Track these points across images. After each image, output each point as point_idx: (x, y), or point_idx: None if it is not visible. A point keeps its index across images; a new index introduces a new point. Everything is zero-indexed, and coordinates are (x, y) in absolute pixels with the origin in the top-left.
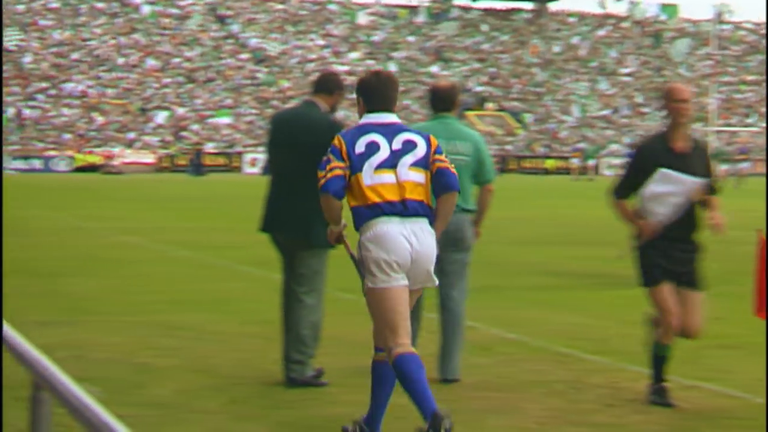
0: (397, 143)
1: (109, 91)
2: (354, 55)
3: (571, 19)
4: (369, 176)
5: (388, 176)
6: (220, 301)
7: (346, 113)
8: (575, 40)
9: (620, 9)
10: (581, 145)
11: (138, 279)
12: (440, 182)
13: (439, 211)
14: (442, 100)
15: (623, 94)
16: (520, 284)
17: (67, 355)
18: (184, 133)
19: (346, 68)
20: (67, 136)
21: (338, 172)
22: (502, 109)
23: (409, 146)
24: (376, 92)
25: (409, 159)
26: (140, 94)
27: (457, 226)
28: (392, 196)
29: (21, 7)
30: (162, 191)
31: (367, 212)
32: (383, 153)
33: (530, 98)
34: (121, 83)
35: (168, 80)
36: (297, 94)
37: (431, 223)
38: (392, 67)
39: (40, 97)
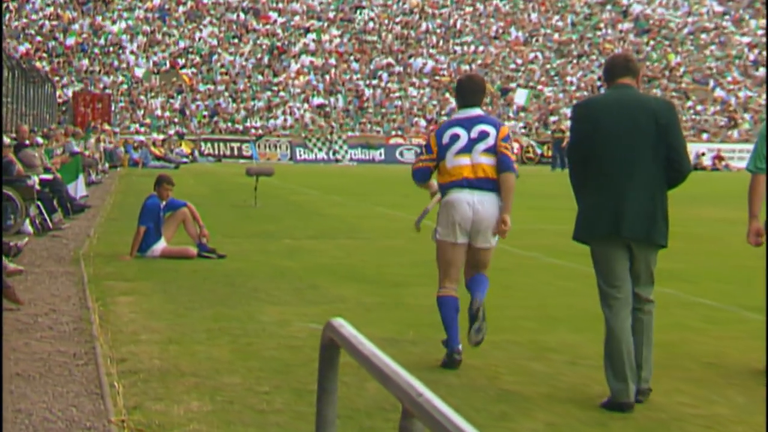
0: (474, 133)
1: (465, 67)
2: (758, 23)
3: None
4: (450, 161)
5: (465, 159)
6: (598, 318)
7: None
8: None
9: None
10: None
11: (500, 291)
12: (499, 164)
13: (502, 187)
14: None
15: None
16: None
17: None
18: (554, 118)
19: (747, 39)
20: (416, 120)
21: (427, 164)
22: None
23: (483, 135)
24: (464, 91)
25: (481, 146)
26: (501, 71)
27: None
28: (467, 174)
29: None
30: (525, 187)
31: (448, 185)
32: (462, 141)
33: None
34: (478, 58)
35: (534, 55)
36: (690, 70)
37: (499, 195)
38: None
39: (383, 75)
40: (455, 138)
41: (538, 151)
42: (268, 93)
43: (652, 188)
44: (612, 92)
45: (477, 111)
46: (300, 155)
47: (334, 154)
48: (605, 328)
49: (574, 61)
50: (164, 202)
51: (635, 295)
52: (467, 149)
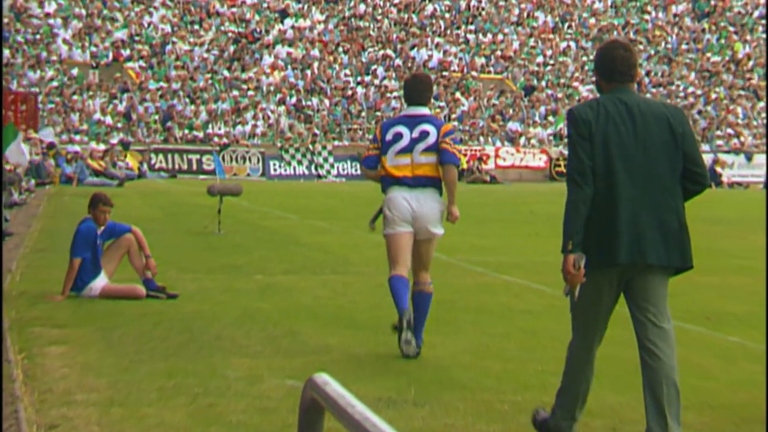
0: (416, 132)
1: (480, 60)
2: None
3: None
4: (391, 159)
5: (405, 159)
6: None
7: None
8: None
9: None
10: None
11: (524, 339)
12: (440, 157)
13: (444, 180)
14: None
15: None
16: None
17: None
18: None
19: None
20: None
21: (375, 152)
22: None
23: (424, 135)
24: (410, 90)
25: (421, 146)
26: (525, 65)
27: None
28: (404, 173)
29: None
30: (552, 208)
31: (388, 181)
32: (404, 141)
33: None
34: (497, 49)
35: (566, 44)
36: (761, 63)
37: (440, 192)
38: None
39: (378, 70)
40: (398, 137)
41: None
42: (235, 92)
43: (674, 205)
44: (615, 96)
45: (423, 110)
46: (274, 169)
47: (317, 168)
48: (567, 359)
49: None
50: (101, 228)
51: (651, 338)
52: (408, 149)
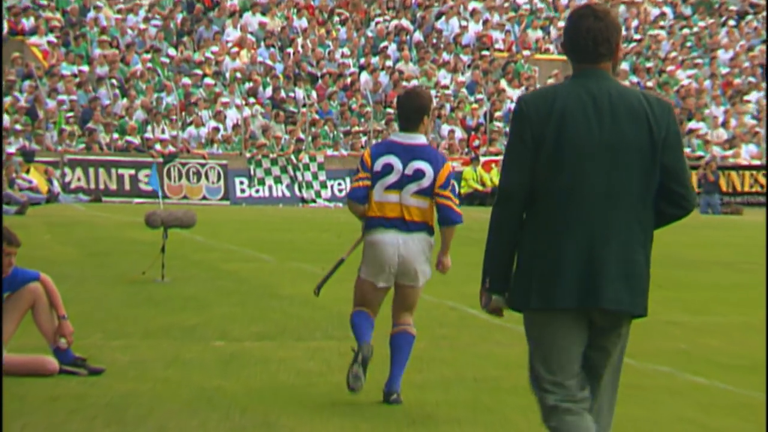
0: (409, 170)
1: (535, 34)
2: None
3: None
4: (379, 194)
5: (393, 196)
6: None
7: None
8: None
9: None
10: None
11: None
12: (440, 216)
13: (443, 240)
14: None
15: None
16: None
17: None
18: (694, 125)
19: None
20: (447, 129)
21: (365, 183)
22: None
23: (418, 175)
24: (402, 112)
25: (413, 187)
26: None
27: None
28: (394, 214)
29: None
30: None
31: (373, 221)
32: (395, 176)
33: None
34: (560, 19)
35: (658, 12)
36: None
37: (431, 233)
38: None
39: (389, 48)
40: (388, 169)
41: None
42: (186, 80)
43: (641, 234)
44: (579, 83)
45: (417, 138)
46: (242, 190)
47: (301, 188)
48: None
49: (731, 22)
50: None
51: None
52: (398, 186)
